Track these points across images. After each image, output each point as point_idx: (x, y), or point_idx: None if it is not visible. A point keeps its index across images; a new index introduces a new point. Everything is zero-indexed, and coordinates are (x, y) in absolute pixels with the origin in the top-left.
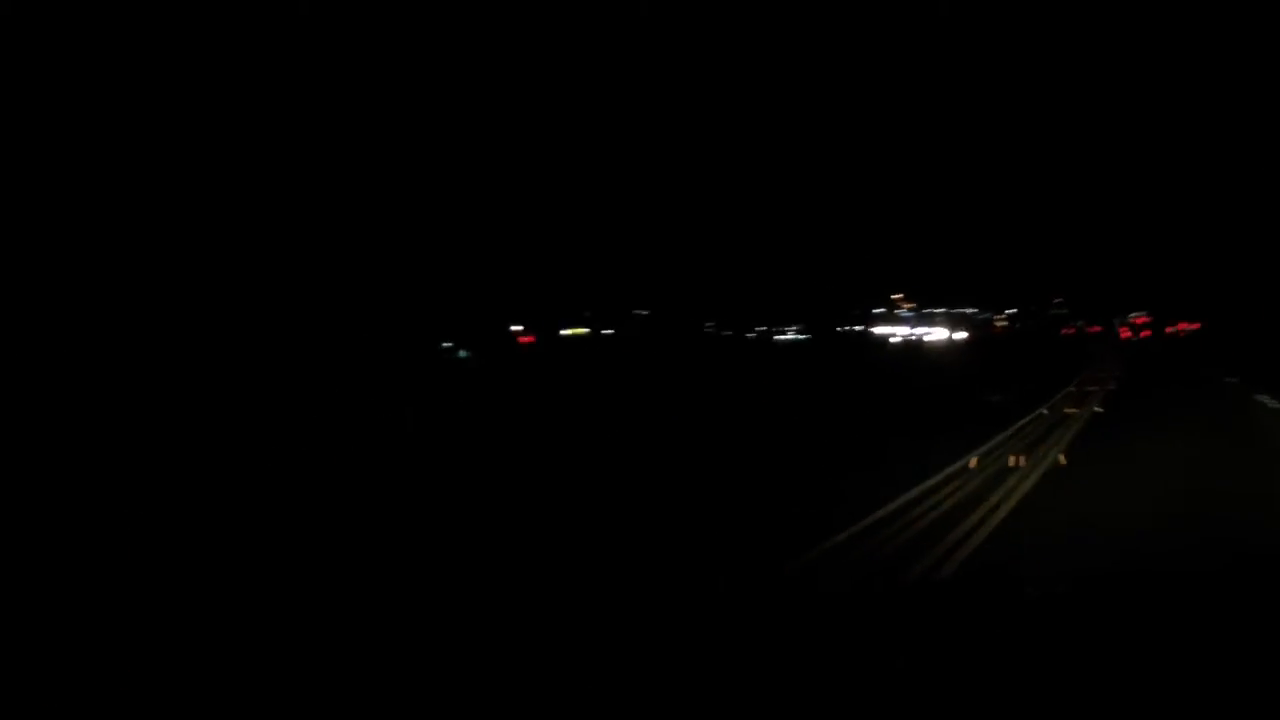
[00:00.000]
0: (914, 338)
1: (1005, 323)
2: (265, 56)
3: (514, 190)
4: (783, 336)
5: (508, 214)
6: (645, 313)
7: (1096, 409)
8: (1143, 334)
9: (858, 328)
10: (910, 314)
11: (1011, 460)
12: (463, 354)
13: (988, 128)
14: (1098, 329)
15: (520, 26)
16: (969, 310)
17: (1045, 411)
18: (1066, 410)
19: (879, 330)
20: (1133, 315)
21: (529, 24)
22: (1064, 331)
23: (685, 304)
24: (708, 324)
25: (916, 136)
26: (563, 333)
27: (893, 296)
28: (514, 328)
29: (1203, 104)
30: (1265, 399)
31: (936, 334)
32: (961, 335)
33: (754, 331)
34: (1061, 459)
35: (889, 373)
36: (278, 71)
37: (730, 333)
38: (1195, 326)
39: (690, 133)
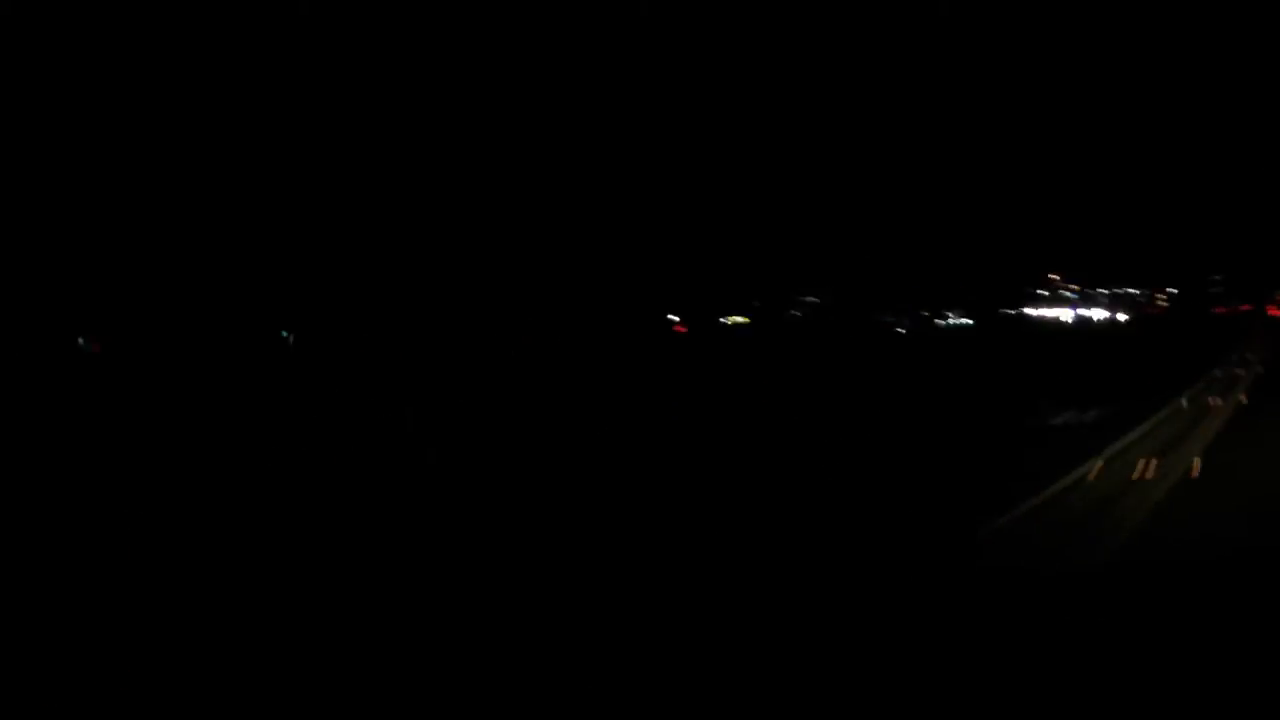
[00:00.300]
0: (1075, 318)
1: (1165, 302)
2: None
3: (697, 183)
4: (947, 321)
5: (689, 207)
6: (814, 300)
7: (1193, 469)
8: None
9: (1019, 309)
10: (1074, 295)
11: None
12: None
13: (1158, 105)
14: (1248, 307)
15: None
16: (1131, 290)
17: (1095, 473)
18: (1144, 466)
19: (1042, 312)
20: None
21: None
22: (1216, 310)
23: (853, 291)
24: (886, 315)
25: (1085, 117)
26: (723, 320)
27: (1050, 276)
28: (671, 317)
29: None
30: None
31: (1096, 314)
32: (1121, 316)
33: (895, 317)
34: None
35: (999, 366)
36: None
37: (894, 318)
38: None
39: (857, 127)
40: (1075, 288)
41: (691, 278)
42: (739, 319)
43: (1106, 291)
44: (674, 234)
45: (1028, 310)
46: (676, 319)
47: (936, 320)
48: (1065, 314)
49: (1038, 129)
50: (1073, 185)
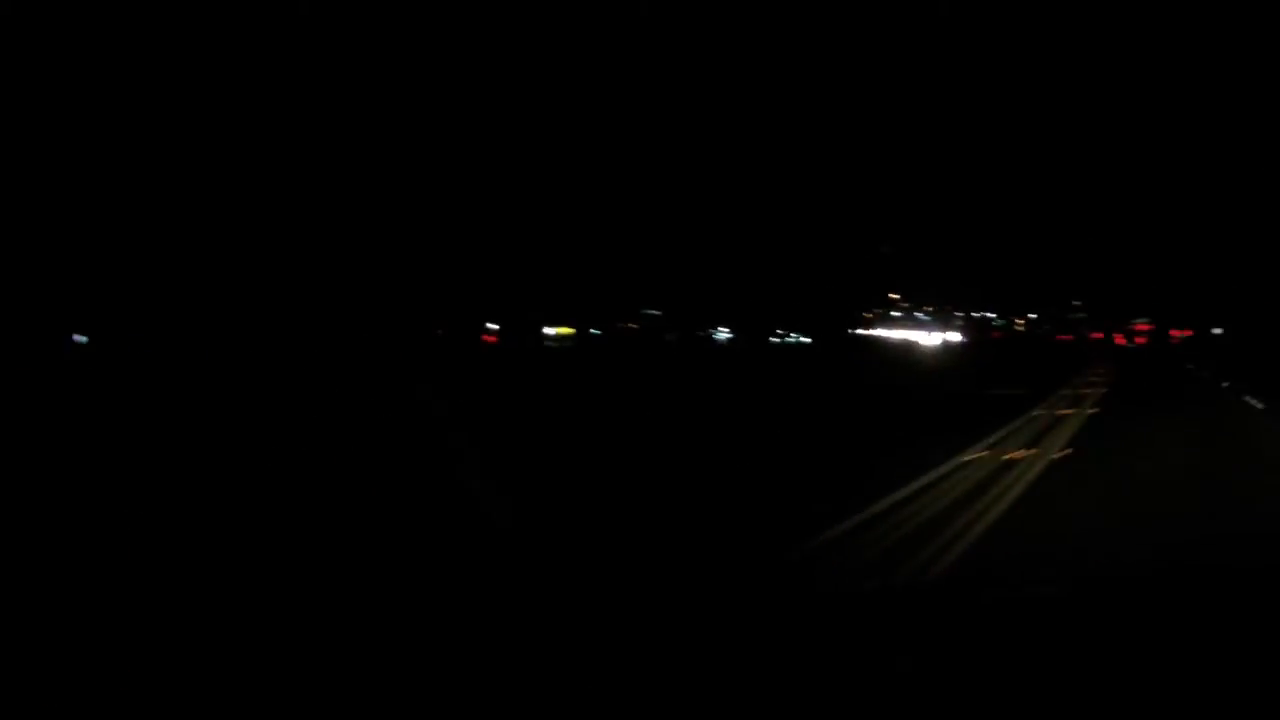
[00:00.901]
0: (907, 340)
1: (1023, 326)
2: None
3: (526, 190)
4: (784, 338)
5: (517, 214)
6: (657, 313)
7: None
8: (1137, 340)
9: (860, 330)
10: (927, 317)
11: None
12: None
13: (1013, 130)
14: (1099, 335)
15: (521, 26)
16: (990, 314)
17: None
18: None
19: (892, 333)
20: (1135, 322)
21: (529, 23)
22: (1059, 338)
23: (692, 305)
24: (722, 328)
25: (946, 137)
26: (547, 331)
27: (891, 295)
28: (490, 325)
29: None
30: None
31: (930, 338)
32: (957, 338)
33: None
34: None
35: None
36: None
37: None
38: (1188, 334)
39: (701, 136)
40: (930, 308)
41: (516, 286)
42: (563, 330)
43: (962, 315)
44: (503, 243)
45: (877, 331)
46: (491, 328)
47: (772, 338)
48: (918, 336)
49: (919, 143)
50: (940, 205)
